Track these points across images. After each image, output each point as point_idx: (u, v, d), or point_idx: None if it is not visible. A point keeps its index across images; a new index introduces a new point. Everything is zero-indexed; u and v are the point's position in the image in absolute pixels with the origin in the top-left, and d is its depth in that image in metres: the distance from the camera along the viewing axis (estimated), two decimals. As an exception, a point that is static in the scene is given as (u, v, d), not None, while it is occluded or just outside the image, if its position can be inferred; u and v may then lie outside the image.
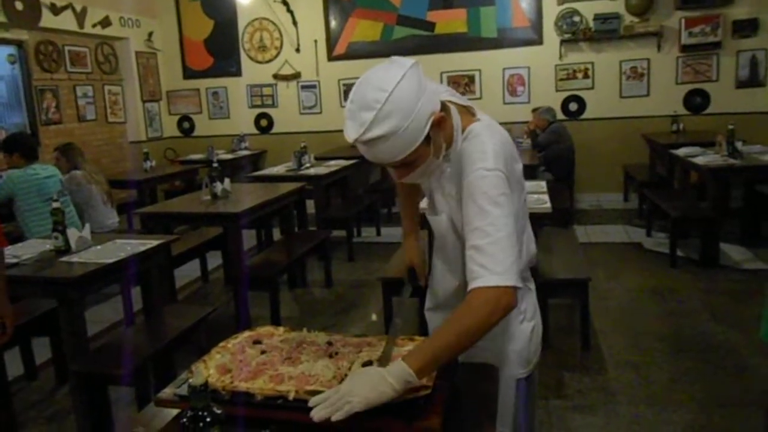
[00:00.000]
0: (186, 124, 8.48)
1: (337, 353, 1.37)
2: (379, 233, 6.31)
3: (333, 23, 7.64)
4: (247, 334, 1.52)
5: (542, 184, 3.95)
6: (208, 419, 0.92)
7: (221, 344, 1.47)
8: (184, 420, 0.92)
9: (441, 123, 1.32)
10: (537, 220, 3.47)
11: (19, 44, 6.21)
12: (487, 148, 1.35)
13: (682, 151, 5.31)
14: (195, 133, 8.46)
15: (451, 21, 7.17)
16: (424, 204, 1.63)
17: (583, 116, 7.17)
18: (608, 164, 7.10)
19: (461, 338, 1.22)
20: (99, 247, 2.91)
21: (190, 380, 0.92)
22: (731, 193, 5.50)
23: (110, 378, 2.58)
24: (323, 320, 4.13)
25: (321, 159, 6.27)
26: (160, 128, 8.34)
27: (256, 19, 7.88)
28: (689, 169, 5.29)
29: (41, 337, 3.39)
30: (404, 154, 1.29)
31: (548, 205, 3.36)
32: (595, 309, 3.94)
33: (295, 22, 7.75)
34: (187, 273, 5.00)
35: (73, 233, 2.84)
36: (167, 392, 1.28)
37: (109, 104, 7.55)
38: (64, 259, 2.73)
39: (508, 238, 1.27)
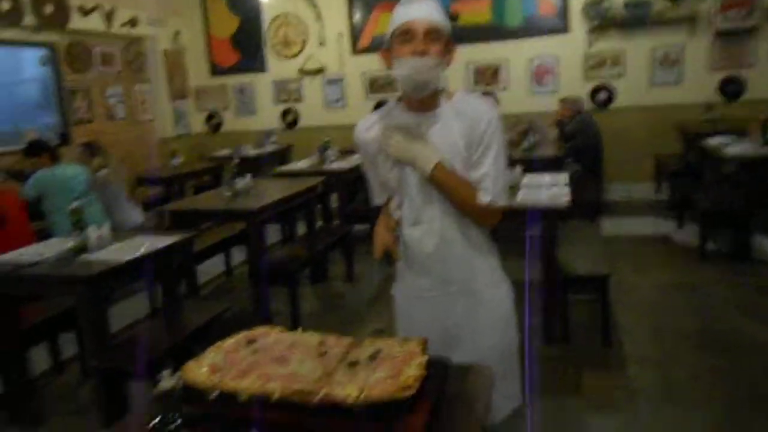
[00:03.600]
0: (213, 121, 8.59)
1: (326, 353, 1.37)
2: (403, 227, 6.27)
3: (357, 17, 7.63)
4: (242, 334, 1.52)
5: (562, 177, 3.85)
6: (177, 422, 0.92)
7: (217, 344, 1.48)
8: (154, 423, 0.93)
9: (452, 53, 1.68)
10: (558, 214, 3.42)
11: (49, 46, 6.37)
12: (491, 103, 1.75)
13: (715, 141, 5.13)
14: (223, 130, 8.56)
15: (475, 11, 7.07)
16: (396, 173, 1.75)
17: (613, 105, 6.99)
18: (639, 154, 6.91)
19: (459, 197, 1.67)
20: (118, 245, 2.97)
21: (159, 385, 0.93)
22: (766, 184, 5.30)
23: (128, 373, 2.63)
24: (344, 315, 4.15)
25: (346, 153, 6.26)
26: (188, 125, 8.47)
27: (281, 14, 7.91)
28: (720, 159, 5.11)
29: (68, 332, 3.48)
30: (441, 20, 1.62)
31: (565, 200, 3.27)
32: (618, 304, 3.86)
33: (319, 17, 7.76)
34: (211, 268, 5.08)
35: (92, 231, 2.90)
36: (167, 383, 1.28)
37: (138, 102, 7.69)
38: (83, 257, 2.79)
39: (503, 172, 1.68)
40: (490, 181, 1.66)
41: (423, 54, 1.59)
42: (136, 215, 4.93)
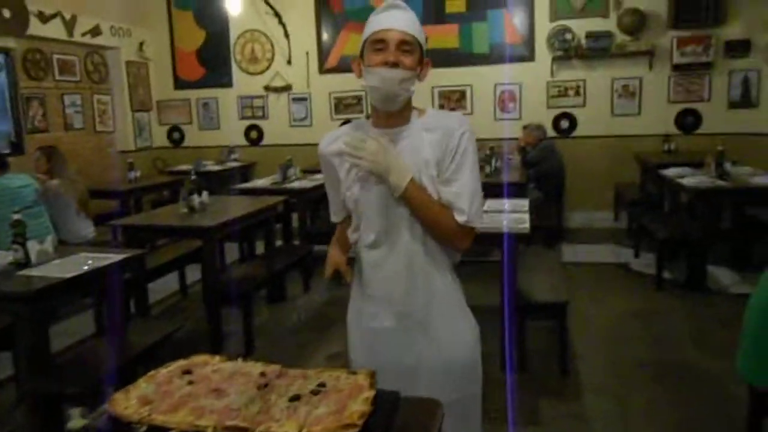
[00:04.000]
0: (176, 135, 8.42)
1: (266, 385, 1.29)
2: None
3: (325, 36, 7.61)
4: (179, 362, 1.43)
5: (524, 203, 3.86)
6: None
7: (150, 373, 1.38)
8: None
9: (426, 67, 1.62)
10: (519, 240, 3.41)
11: (6, 52, 6.16)
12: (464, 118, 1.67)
13: (671, 172, 5.24)
14: (185, 144, 8.40)
15: (443, 36, 7.13)
16: (356, 192, 1.64)
17: (575, 134, 7.11)
18: (599, 182, 7.02)
19: (432, 216, 1.56)
20: (61, 260, 2.83)
21: (68, 424, 0.84)
22: (721, 215, 5.44)
23: (66, 397, 2.48)
24: (299, 337, 4.04)
25: (308, 172, 6.19)
26: (149, 138, 8.28)
27: (248, 30, 7.84)
28: (678, 189, 5.22)
29: (4, 351, 3.30)
30: (415, 32, 1.56)
31: (527, 225, 3.27)
32: (576, 332, 3.86)
33: (287, 35, 7.71)
34: (165, 286, 4.91)
35: (33, 246, 2.76)
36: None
37: (98, 113, 7.48)
38: (23, 272, 2.65)
39: (475, 189, 1.58)
40: (465, 199, 1.55)
41: (394, 65, 1.52)
42: (87, 229, 4.74)
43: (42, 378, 2.52)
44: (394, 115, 1.60)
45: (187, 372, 1.38)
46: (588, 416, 2.92)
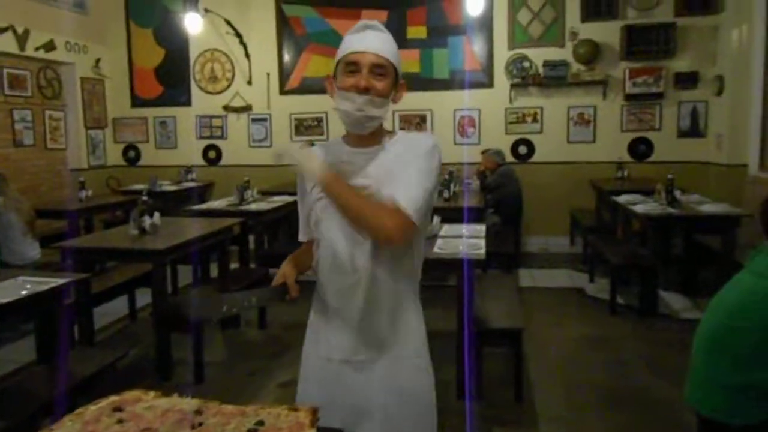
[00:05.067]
0: (131, 153, 8.23)
1: (201, 424, 1.22)
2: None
3: (286, 57, 7.59)
4: (110, 399, 1.35)
5: (480, 229, 3.88)
6: None
7: (78, 410, 1.30)
8: None
9: (401, 90, 1.60)
10: (475, 265, 3.40)
11: (-49, 64, 5.94)
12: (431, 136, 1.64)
13: (623, 199, 5.36)
14: (140, 163, 8.21)
15: (404, 61, 7.14)
16: (318, 211, 1.60)
17: (532, 159, 7.23)
18: (556, 208, 7.14)
19: (358, 208, 1.44)
20: (-3, 284, 2.69)
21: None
22: (672, 242, 5.58)
23: (-4, 431, 2.34)
24: (252, 364, 3.93)
25: (266, 194, 6.10)
26: (103, 156, 8.07)
27: (208, 50, 7.77)
28: (630, 216, 5.33)
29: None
30: (391, 56, 1.53)
31: (483, 251, 3.28)
32: (532, 358, 3.86)
33: (247, 55, 7.67)
34: (114, 310, 4.74)
35: (-34, 270, 2.61)
36: None
37: (50, 130, 7.26)
38: (-46, 297, 2.50)
39: (430, 196, 1.50)
40: (403, 187, 1.45)
41: (366, 90, 1.48)
42: (32, 251, 4.56)
43: (-30, 411, 2.36)
44: (366, 137, 1.57)
45: (118, 409, 1.30)
46: (542, 445, 2.90)
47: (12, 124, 6.71)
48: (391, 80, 1.53)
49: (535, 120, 7.16)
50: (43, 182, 7.12)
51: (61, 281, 2.79)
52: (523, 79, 7.05)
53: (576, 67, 6.93)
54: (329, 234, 1.58)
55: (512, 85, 7.11)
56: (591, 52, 6.84)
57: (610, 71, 6.89)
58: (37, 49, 6.79)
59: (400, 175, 1.48)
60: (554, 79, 6.92)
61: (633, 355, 3.95)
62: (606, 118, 7.01)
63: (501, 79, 7.16)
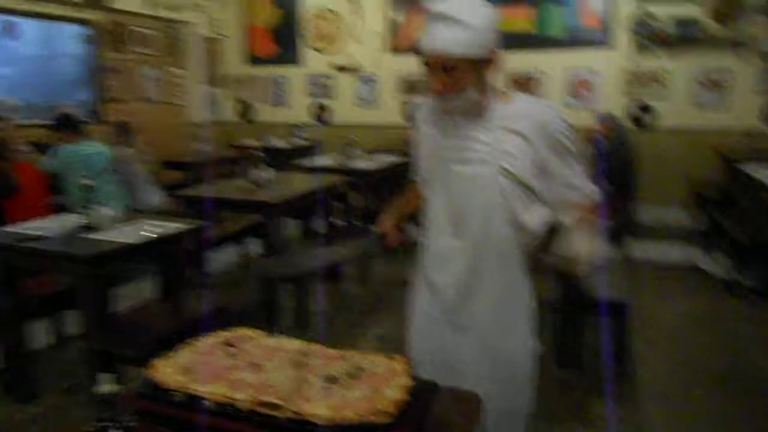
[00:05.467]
0: (246, 110, 8.59)
1: (305, 364, 1.27)
2: (424, 232, 6.16)
3: (395, 16, 7.53)
4: (222, 334, 1.44)
5: (590, 195, 3.70)
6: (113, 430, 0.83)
7: (194, 342, 1.40)
8: (88, 430, 0.84)
9: (493, 63, 1.50)
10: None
11: (89, 24, 6.43)
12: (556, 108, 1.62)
13: (753, 169, 4.90)
14: (253, 120, 8.56)
15: (516, 19, 6.91)
16: (430, 168, 1.66)
17: (652, 125, 6.76)
18: (675, 178, 6.67)
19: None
20: (125, 226, 2.93)
21: (95, 388, 0.84)
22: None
23: (120, 358, 2.58)
24: (353, 317, 4.06)
25: (372, 153, 6.18)
26: (220, 113, 8.49)
27: (320, 9, 7.87)
28: (760, 188, 4.87)
29: (73, 310, 3.46)
30: (460, 50, 1.43)
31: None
32: (638, 332, 3.68)
33: (357, 14, 7.69)
34: (226, 258, 5.04)
35: (100, 210, 2.87)
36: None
37: (173, 86, 7.72)
38: (89, 235, 2.76)
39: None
40: (587, 185, 1.61)
41: (439, 93, 1.48)
42: (155, 198, 4.92)
43: (101, 337, 2.62)
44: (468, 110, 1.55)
45: (229, 344, 1.38)
46: (644, 422, 2.78)
47: (140, 80, 7.20)
48: (471, 68, 1.47)
49: (657, 82, 6.65)
50: (164, 136, 7.61)
51: (181, 226, 2.99)
52: (648, 38, 6.54)
53: (710, 25, 6.32)
54: (437, 195, 1.59)
55: (635, 45, 6.62)
56: (728, 9, 6.20)
57: (748, 29, 6.22)
58: (164, 8, 7.19)
59: (570, 163, 1.55)
60: (684, 38, 6.36)
61: (749, 339, 3.66)
62: (741, 81, 6.38)
63: (622, 38, 6.69)
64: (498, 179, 1.49)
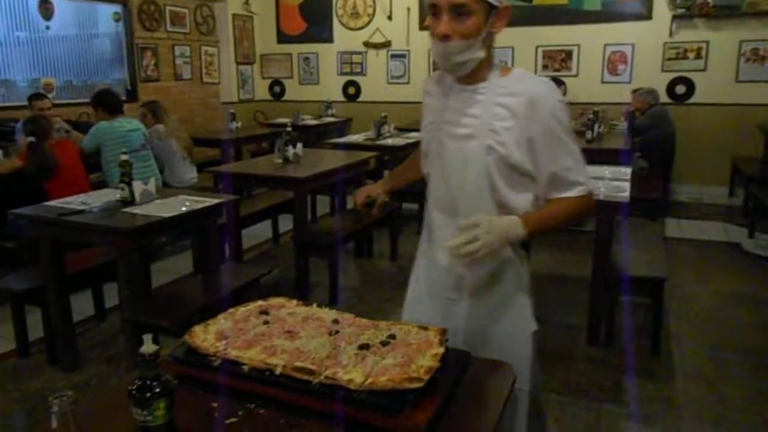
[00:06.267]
0: (277, 88, 8.63)
1: (338, 332, 1.29)
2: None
3: (427, -9, 7.42)
4: (258, 303, 1.47)
5: (625, 171, 3.62)
6: (156, 390, 0.86)
7: (230, 310, 1.43)
8: (132, 389, 0.87)
9: (503, 17, 1.41)
10: (616, 209, 3.20)
11: (123, 3, 6.50)
12: (553, 86, 1.49)
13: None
14: (285, 98, 8.60)
15: (551, -9, 6.75)
16: (429, 142, 1.59)
17: (691, 100, 6.57)
18: (715, 154, 6.49)
19: (560, 224, 1.52)
20: (162, 200, 2.99)
21: (141, 348, 0.87)
22: None
23: (157, 328, 2.65)
24: (381, 293, 4.08)
25: (403, 130, 6.16)
26: (252, 90, 8.54)
27: (351, -16, 7.81)
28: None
29: (113, 282, 3.56)
30: None
31: (626, 194, 3.07)
32: (674, 311, 3.63)
33: (389, -11, 7.61)
34: (259, 233, 5.11)
35: (137, 186, 2.93)
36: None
37: (205, 65, 7.79)
38: (127, 210, 2.82)
39: (582, 157, 1.49)
40: (577, 172, 1.45)
41: (446, 38, 1.37)
42: (190, 174, 5.00)
43: (140, 309, 2.70)
44: (468, 74, 1.47)
45: (264, 312, 1.41)
46: (677, 401, 2.74)
47: (173, 59, 7.27)
48: (479, 16, 1.37)
49: (698, 56, 6.45)
50: (198, 113, 7.71)
51: (215, 201, 3.04)
52: (688, 9, 6.32)
53: (754, -6, 6.08)
54: (435, 171, 1.56)
55: (674, 17, 6.41)
56: (774, -23, 5.96)
57: (797, -1, 5.97)
58: (195, -13, 7.23)
59: (557, 152, 1.43)
60: (726, 9, 6.14)
61: (792, 319, 3.57)
62: (786, 54, 6.14)
63: (661, 10, 6.48)
64: (485, 158, 1.44)
